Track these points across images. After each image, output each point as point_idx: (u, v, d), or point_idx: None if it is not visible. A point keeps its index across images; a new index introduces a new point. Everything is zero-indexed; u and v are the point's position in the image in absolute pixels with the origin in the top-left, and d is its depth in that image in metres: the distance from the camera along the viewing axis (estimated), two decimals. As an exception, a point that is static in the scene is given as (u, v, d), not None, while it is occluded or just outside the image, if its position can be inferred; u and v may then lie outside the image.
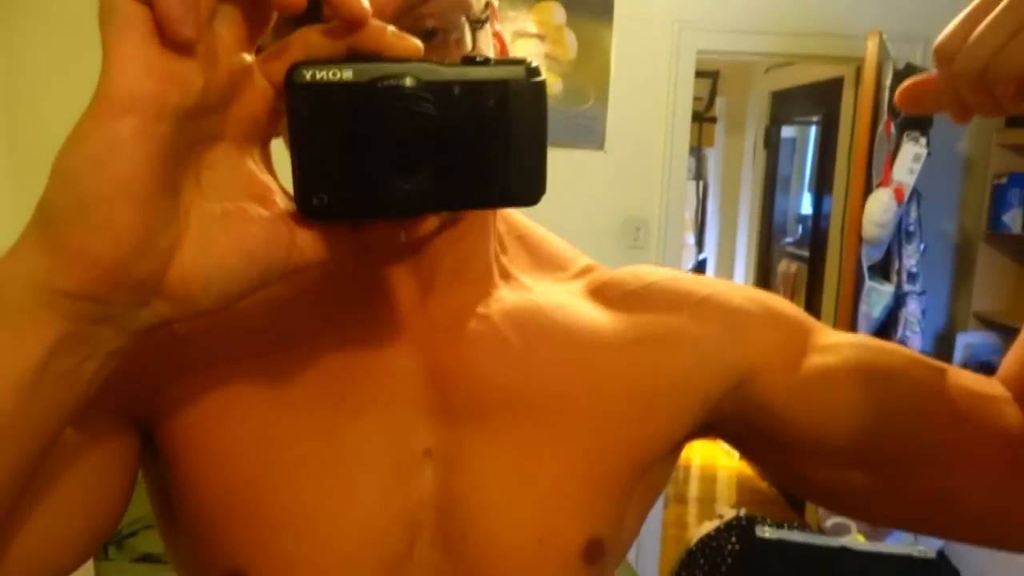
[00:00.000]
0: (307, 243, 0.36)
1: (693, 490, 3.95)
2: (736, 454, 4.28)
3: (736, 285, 0.56)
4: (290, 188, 0.35)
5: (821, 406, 0.50)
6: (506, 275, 0.54)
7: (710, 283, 0.55)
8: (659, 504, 2.65)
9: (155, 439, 0.49)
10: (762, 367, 0.51)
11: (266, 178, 0.36)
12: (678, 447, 0.55)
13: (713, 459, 4.25)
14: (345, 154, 0.34)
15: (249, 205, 0.35)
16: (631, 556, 2.52)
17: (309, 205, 0.34)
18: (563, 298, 0.54)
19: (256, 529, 0.47)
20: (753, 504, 3.52)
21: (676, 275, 0.56)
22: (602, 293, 0.54)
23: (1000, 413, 0.48)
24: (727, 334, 0.52)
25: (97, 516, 0.46)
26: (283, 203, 0.36)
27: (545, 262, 0.56)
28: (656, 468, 0.54)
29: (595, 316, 0.53)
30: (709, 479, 4.10)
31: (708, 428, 0.55)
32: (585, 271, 0.56)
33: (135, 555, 2.07)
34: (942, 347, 2.80)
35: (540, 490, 0.49)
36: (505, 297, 0.52)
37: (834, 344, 0.52)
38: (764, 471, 0.58)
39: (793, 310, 0.55)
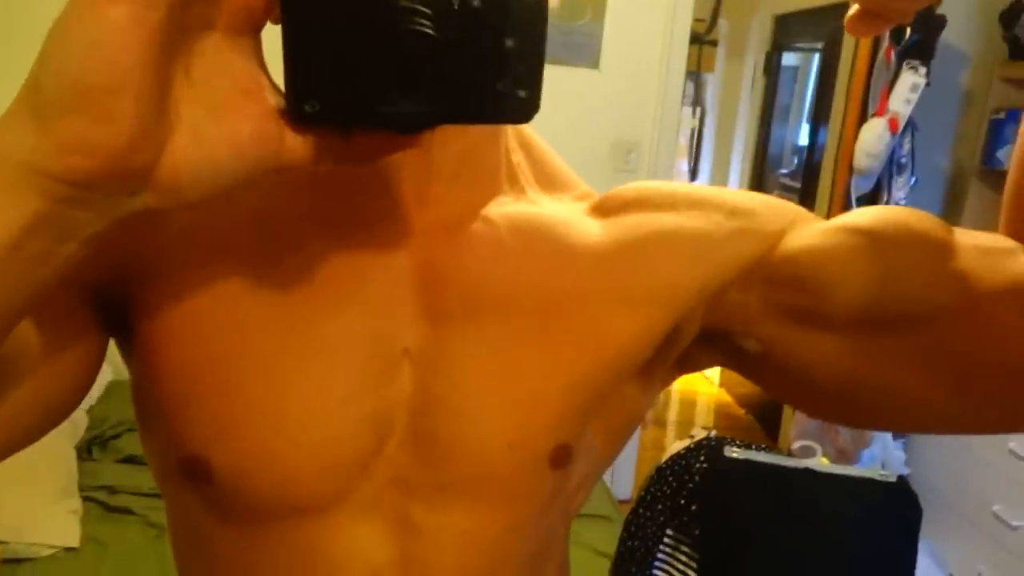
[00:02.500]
0: (297, 144, 0.35)
1: (672, 414, 4.03)
2: (717, 380, 4.33)
3: (735, 190, 0.55)
4: (282, 85, 0.34)
5: (838, 267, 0.48)
6: (513, 179, 0.52)
7: (708, 187, 0.55)
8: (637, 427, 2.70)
9: (129, 319, 0.48)
10: (772, 248, 0.50)
11: (257, 72, 0.34)
12: (669, 367, 0.55)
13: (693, 384, 4.32)
14: (338, 63, 0.33)
15: (239, 99, 0.33)
16: (606, 476, 2.58)
17: (300, 111, 0.34)
18: (564, 214, 0.53)
19: (220, 414, 0.46)
20: (730, 430, 3.59)
21: (676, 183, 0.55)
22: (601, 208, 0.54)
23: (1017, 264, 0.47)
24: (729, 223, 0.51)
25: (57, 390, 0.45)
26: (274, 99, 0.34)
27: (549, 178, 0.55)
28: (640, 381, 0.54)
29: (593, 227, 0.53)
30: (688, 404, 4.18)
31: (708, 339, 0.53)
32: (586, 195, 0.56)
33: (118, 456, 2.11)
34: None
35: (516, 394, 0.49)
36: (508, 203, 0.51)
37: (839, 217, 0.51)
38: (773, 379, 0.55)
39: (792, 205, 0.54)
